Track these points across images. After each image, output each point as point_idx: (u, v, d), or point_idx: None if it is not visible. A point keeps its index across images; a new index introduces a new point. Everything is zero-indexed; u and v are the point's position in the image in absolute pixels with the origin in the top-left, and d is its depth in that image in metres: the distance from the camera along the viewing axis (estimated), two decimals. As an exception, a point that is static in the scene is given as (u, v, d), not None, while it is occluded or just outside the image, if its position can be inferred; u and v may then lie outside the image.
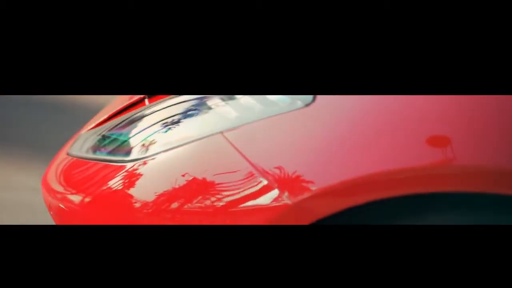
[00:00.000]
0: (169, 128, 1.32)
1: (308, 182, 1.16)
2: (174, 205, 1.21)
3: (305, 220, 1.16)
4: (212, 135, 1.25)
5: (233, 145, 1.21)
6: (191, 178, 1.22)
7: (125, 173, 1.28)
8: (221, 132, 1.24)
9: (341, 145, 1.18)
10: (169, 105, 1.39)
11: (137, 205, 1.24)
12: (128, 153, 1.32)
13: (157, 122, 1.35)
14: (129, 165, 1.29)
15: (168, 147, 1.27)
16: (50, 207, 1.40)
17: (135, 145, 1.33)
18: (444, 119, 1.18)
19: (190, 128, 1.30)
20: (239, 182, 1.19)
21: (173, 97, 1.41)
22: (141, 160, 1.28)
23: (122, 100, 1.63)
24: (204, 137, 1.25)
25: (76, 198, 1.34)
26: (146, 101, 1.53)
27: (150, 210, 1.22)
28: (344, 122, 1.20)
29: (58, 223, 1.38)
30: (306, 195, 1.15)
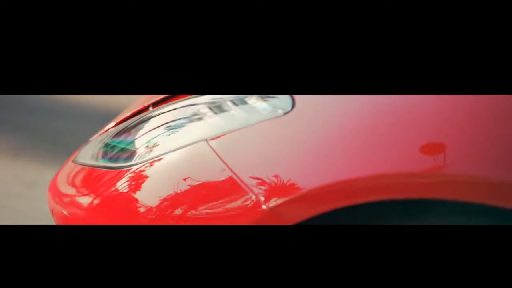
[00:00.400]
0: (160, 135, 1.37)
1: (284, 188, 1.19)
2: (159, 210, 1.26)
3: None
4: (197, 142, 1.29)
5: (215, 152, 1.25)
6: (175, 184, 1.26)
7: (116, 180, 1.33)
8: (206, 140, 1.28)
9: (316, 152, 1.21)
10: (164, 111, 1.44)
11: (129, 209, 1.29)
12: (124, 159, 1.38)
13: (150, 130, 1.41)
14: (121, 171, 1.35)
15: (159, 154, 1.32)
16: (52, 212, 1.45)
17: (128, 152, 1.39)
18: (424, 125, 1.20)
19: (178, 135, 1.34)
20: (219, 188, 1.23)
21: (170, 104, 1.46)
22: (130, 167, 1.34)
23: (132, 108, 1.68)
24: (190, 144, 1.29)
25: (74, 205, 1.39)
26: (151, 108, 1.57)
27: (139, 214, 1.28)
28: (320, 129, 1.23)
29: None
30: (281, 200, 1.19)
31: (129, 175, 1.32)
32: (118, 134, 1.48)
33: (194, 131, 1.32)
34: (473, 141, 1.19)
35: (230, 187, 1.22)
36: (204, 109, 1.37)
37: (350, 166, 1.18)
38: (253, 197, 1.20)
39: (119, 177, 1.33)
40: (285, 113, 1.26)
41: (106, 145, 1.49)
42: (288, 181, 1.19)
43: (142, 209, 1.27)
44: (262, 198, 1.20)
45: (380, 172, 1.17)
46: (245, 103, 1.33)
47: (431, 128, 1.20)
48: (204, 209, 1.23)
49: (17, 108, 3.59)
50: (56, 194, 1.46)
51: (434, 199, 1.19)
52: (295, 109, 1.26)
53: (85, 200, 1.37)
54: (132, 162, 1.34)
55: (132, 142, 1.42)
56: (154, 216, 1.25)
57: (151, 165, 1.31)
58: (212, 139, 1.27)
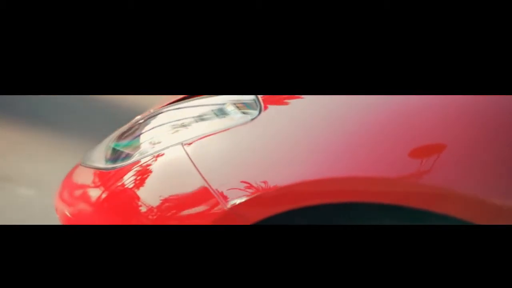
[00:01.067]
0: (147, 138, 1.47)
1: (244, 189, 1.26)
2: (134, 209, 1.35)
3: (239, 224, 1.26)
4: (174, 145, 1.37)
5: (188, 155, 1.34)
6: (151, 184, 1.36)
7: (104, 181, 1.44)
8: (181, 143, 1.36)
9: (276, 156, 1.28)
10: (157, 115, 1.53)
11: (109, 209, 1.40)
12: (112, 161, 1.48)
13: (141, 134, 1.50)
14: (109, 172, 1.45)
15: (140, 156, 1.42)
16: (56, 211, 1.55)
17: (117, 154, 1.49)
18: (381, 131, 1.25)
19: (161, 138, 1.43)
20: (187, 190, 1.31)
21: (163, 107, 1.54)
22: (116, 168, 1.44)
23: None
24: (168, 147, 1.38)
25: (73, 204, 1.50)
26: (151, 111, 1.65)
27: (116, 214, 1.38)
28: (281, 134, 1.29)
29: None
30: (239, 201, 1.26)
31: (114, 177, 1.42)
32: (120, 136, 1.58)
33: (174, 135, 1.40)
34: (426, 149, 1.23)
35: (197, 188, 1.29)
36: (187, 115, 1.45)
37: (305, 170, 1.24)
38: (216, 197, 1.28)
39: (107, 178, 1.43)
40: (253, 119, 1.33)
41: (109, 147, 1.58)
42: (247, 183, 1.26)
43: (122, 209, 1.37)
44: (223, 199, 1.27)
45: (335, 175, 1.23)
46: (221, 109, 1.40)
47: (392, 134, 1.25)
48: (171, 208, 1.31)
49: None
50: (61, 195, 1.57)
51: (386, 204, 1.23)
52: (261, 114, 1.33)
53: (82, 200, 1.48)
54: (117, 164, 1.44)
55: (124, 145, 1.51)
56: (132, 215, 1.35)
57: (131, 167, 1.40)
58: (187, 143, 1.35)
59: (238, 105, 1.39)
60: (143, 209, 1.33)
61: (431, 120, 1.25)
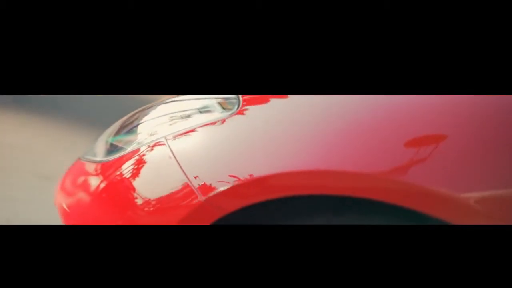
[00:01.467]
0: (138, 131, 1.53)
1: (219, 181, 1.30)
2: (121, 199, 1.40)
3: (215, 215, 1.30)
4: (159, 138, 1.42)
5: (170, 149, 1.38)
6: (134, 175, 1.40)
7: (96, 173, 1.50)
8: (165, 137, 1.41)
9: (251, 149, 1.31)
10: (148, 109, 1.59)
11: (98, 199, 1.45)
12: (104, 154, 1.53)
13: (133, 127, 1.56)
14: (100, 164, 1.51)
15: (133, 146, 1.47)
16: (55, 203, 1.60)
17: (112, 147, 1.55)
18: (367, 126, 1.27)
19: (148, 132, 1.49)
20: (168, 181, 1.35)
21: (158, 103, 1.58)
22: (106, 161, 1.50)
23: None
24: (154, 140, 1.43)
25: (69, 198, 1.55)
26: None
27: (105, 208, 1.42)
28: (258, 129, 1.33)
29: (62, 217, 1.57)
30: (214, 192, 1.29)
31: (103, 168, 1.48)
32: (116, 130, 1.62)
33: (160, 130, 1.45)
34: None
35: (177, 180, 1.33)
36: (174, 111, 1.50)
37: (278, 162, 1.27)
38: (193, 189, 1.31)
39: (97, 170, 1.49)
40: (230, 115, 1.37)
41: (104, 141, 1.63)
42: (223, 175, 1.30)
43: (110, 199, 1.42)
44: (200, 191, 1.30)
45: (308, 168, 1.25)
46: (205, 106, 1.45)
47: (372, 129, 1.27)
48: (152, 199, 1.35)
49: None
50: (59, 188, 1.62)
51: (357, 197, 1.26)
52: (239, 111, 1.37)
53: (76, 192, 1.54)
54: (108, 157, 1.50)
55: (115, 139, 1.57)
56: (118, 205, 1.39)
57: (120, 160, 1.45)
58: (170, 137, 1.40)
59: (221, 102, 1.43)
60: (128, 199, 1.38)
61: (409, 116, 1.27)
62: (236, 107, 1.38)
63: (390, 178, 1.22)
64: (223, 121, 1.36)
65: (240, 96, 1.40)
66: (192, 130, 1.38)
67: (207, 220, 1.29)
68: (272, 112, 1.34)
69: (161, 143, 1.39)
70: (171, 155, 1.36)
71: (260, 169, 1.27)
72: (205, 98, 1.46)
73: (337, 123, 1.28)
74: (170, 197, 1.32)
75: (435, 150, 1.23)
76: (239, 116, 1.36)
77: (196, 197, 1.30)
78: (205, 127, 1.37)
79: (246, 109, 1.37)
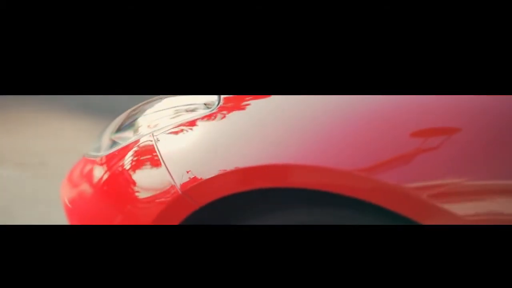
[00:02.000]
0: (132, 127, 1.62)
1: (197, 174, 1.36)
2: (113, 191, 1.49)
3: (192, 207, 1.37)
4: (146, 134, 1.51)
5: (155, 143, 1.46)
6: (125, 168, 1.49)
7: (95, 167, 1.60)
8: (152, 133, 1.49)
9: (225, 144, 1.37)
10: (143, 107, 1.67)
11: (89, 194, 1.55)
12: (107, 147, 1.62)
13: (127, 124, 1.65)
14: (98, 159, 1.61)
15: (126, 141, 1.56)
16: (61, 198, 1.67)
17: (110, 142, 1.64)
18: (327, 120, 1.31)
19: (140, 128, 1.58)
20: (152, 175, 1.43)
21: (151, 101, 1.64)
22: (102, 156, 1.59)
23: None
24: (143, 136, 1.52)
25: (71, 192, 1.66)
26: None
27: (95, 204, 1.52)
28: (233, 125, 1.39)
29: (66, 214, 1.63)
30: (191, 185, 1.36)
31: (98, 164, 1.59)
32: (115, 127, 1.70)
33: (150, 126, 1.54)
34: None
35: (159, 174, 1.41)
36: (163, 108, 1.59)
37: (248, 157, 1.32)
38: (172, 182, 1.38)
39: (97, 164, 1.59)
40: (211, 111, 1.44)
41: (104, 137, 1.70)
42: (200, 169, 1.36)
43: (104, 192, 1.51)
44: (179, 185, 1.37)
45: (276, 162, 1.30)
46: (191, 105, 1.53)
47: (342, 127, 1.30)
48: (134, 192, 1.44)
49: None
50: (64, 184, 1.72)
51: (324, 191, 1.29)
52: (218, 109, 1.44)
53: (78, 186, 1.64)
54: (104, 152, 1.60)
55: (113, 134, 1.66)
56: (106, 203, 1.47)
57: (115, 154, 1.55)
58: (157, 133, 1.48)
59: (206, 103, 1.49)
60: (124, 190, 1.46)
61: (395, 115, 1.28)
62: (216, 104, 1.45)
63: (365, 176, 1.24)
64: (203, 118, 1.43)
65: (221, 96, 1.47)
66: (176, 126, 1.45)
67: (184, 212, 1.36)
68: (246, 111, 1.40)
69: (149, 138, 1.48)
70: (156, 149, 1.43)
71: (233, 163, 1.32)
72: (193, 98, 1.53)
73: (318, 120, 1.31)
74: (152, 188, 1.40)
75: (421, 152, 1.23)
76: (218, 115, 1.42)
77: (175, 190, 1.36)
78: (188, 123, 1.44)
79: (224, 108, 1.43)
